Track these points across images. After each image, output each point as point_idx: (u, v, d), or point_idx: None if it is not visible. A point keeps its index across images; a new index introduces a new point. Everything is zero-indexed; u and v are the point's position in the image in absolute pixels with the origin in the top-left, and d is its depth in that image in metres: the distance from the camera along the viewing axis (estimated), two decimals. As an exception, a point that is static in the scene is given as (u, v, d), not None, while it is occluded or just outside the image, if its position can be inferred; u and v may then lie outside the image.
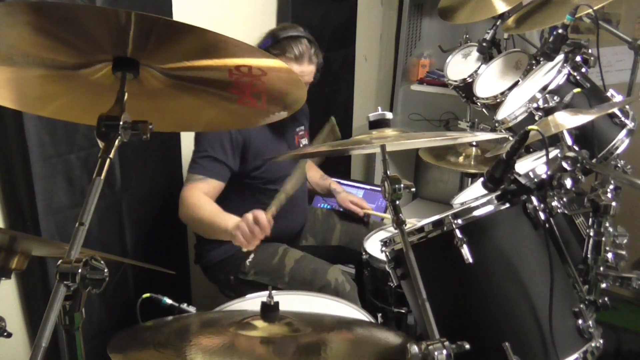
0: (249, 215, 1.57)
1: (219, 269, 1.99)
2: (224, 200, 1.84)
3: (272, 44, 1.86)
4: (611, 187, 1.35)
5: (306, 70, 1.87)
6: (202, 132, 1.86)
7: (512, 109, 1.71)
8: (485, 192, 1.24)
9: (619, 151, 1.61)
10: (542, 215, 1.21)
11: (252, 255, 1.92)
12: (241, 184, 1.92)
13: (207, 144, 1.83)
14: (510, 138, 1.71)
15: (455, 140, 2.12)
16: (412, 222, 1.46)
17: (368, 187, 2.62)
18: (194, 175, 1.82)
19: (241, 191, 1.94)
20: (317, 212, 2.27)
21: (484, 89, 2.12)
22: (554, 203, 1.26)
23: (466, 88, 2.28)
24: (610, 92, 1.68)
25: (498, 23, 2.22)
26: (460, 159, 2.48)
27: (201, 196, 1.78)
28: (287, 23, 2.01)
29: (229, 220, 1.66)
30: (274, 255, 1.92)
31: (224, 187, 1.85)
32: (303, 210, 2.14)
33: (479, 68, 2.25)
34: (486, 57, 2.27)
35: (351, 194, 2.26)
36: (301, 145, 2.09)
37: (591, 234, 1.35)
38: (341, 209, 2.27)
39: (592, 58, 1.70)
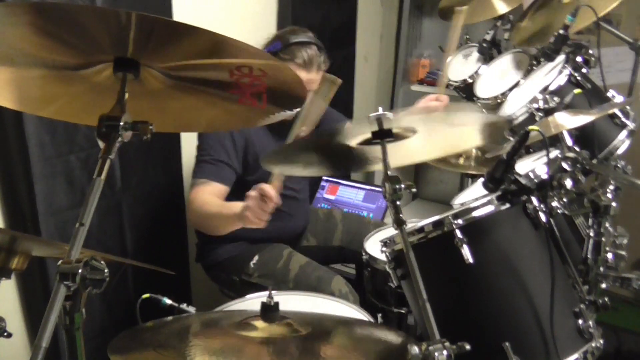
0: (253, 193, 1.51)
1: (222, 268, 1.99)
2: None
3: (282, 48, 1.83)
4: (611, 187, 1.35)
5: (314, 78, 1.83)
6: (204, 134, 1.86)
7: (512, 110, 1.71)
8: (486, 192, 1.24)
9: (619, 152, 1.61)
10: (542, 216, 1.21)
11: (256, 257, 1.92)
12: (245, 188, 1.91)
13: (209, 147, 1.82)
14: (511, 139, 1.71)
15: (455, 141, 2.11)
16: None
17: (368, 187, 2.61)
18: (198, 179, 1.81)
19: (244, 196, 1.94)
20: (319, 212, 2.27)
21: (485, 89, 2.12)
22: (554, 203, 1.26)
23: (467, 89, 2.28)
24: (610, 93, 1.68)
25: (498, 24, 2.22)
26: (461, 159, 2.48)
27: (207, 195, 1.77)
28: (296, 27, 1.95)
29: (235, 206, 1.62)
30: (278, 258, 1.92)
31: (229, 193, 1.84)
32: (304, 211, 2.14)
33: (479, 68, 2.25)
34: (486, 57, 2.27)
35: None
36: None
37: (591, 234, 1.34)
38: (345, 210, 2.24)
39: (592, 59, 1.70)
